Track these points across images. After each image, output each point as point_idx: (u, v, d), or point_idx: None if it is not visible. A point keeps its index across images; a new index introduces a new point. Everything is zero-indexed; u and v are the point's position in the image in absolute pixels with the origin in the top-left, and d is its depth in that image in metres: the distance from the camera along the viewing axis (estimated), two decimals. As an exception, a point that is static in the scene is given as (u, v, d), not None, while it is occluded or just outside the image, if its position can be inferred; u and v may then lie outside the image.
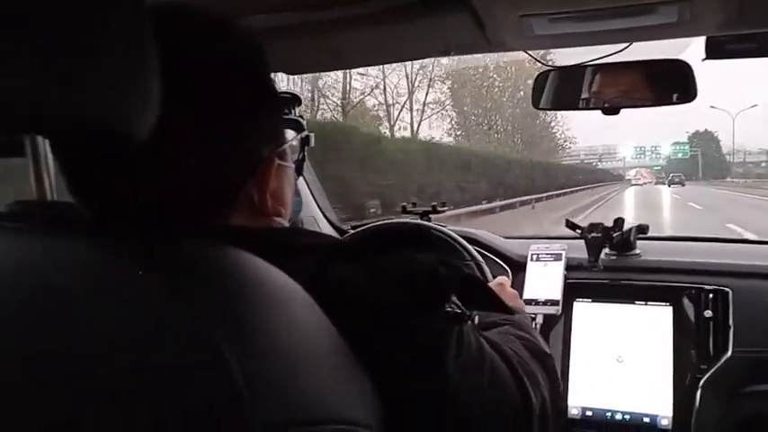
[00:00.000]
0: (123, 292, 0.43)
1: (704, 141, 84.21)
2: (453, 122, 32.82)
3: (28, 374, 0.38)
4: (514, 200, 21.05)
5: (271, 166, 0.65)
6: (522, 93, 32.70)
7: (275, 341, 0.45)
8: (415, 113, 28.95)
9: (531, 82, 1.50)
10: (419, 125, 28.12)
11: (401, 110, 27.88)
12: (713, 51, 1.29)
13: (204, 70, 0.60)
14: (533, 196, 22.89)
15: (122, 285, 0.43)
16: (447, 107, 32.00)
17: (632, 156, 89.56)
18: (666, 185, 56.25)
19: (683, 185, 54.17)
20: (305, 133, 0.77)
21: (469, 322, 0.65)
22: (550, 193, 26.02)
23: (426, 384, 0.59)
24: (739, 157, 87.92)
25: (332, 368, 0.50)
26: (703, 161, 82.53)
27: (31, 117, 0.42)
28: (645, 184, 70.63)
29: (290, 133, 0.76)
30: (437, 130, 32.64)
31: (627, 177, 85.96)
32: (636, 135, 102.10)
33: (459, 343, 0.61)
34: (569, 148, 46.60)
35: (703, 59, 1.32)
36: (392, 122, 26.51)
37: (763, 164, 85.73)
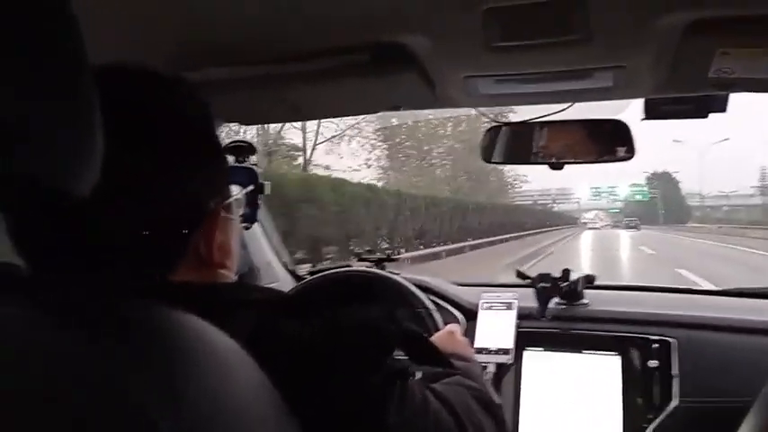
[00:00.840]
0: (45, 351, 0.43)
1: (663, 183, 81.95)
2: (373, 152, 26.83)
3: None
4: (439, 248, 18.38)
5: (216, 218, 0.67)
6: (464, 125, 28.61)
7: (210, 401, 0.45)
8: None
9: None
10: (312, 151, 22.63)
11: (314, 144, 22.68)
12: (651, 112, 1.36)
13: (150, 125, 0.62)
14: (461, 244, 20.22)
15: (46, 344, 0.43)
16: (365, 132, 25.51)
17: (589, 197, 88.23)
18: (623, 229, 57.03)
19: (638, 230, 54.41)
20: (250, 187, 0.79)
21: (413, 376, 0.67)
22: (479, 241, 22.03)
23: None
24: (695, 201, 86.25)
25: (266, 426, 0.51)
26: (663, 204, 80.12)
27: None
28: (603, 227, 69.98)
29: (237, 188, 0.78)
30: (350, 159, 27.59)
31: (582, 220, 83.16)
32: (591, 175, 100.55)
33: (402, 397, 0.63)
34: (520, 187, 43.95)
35: (642, 119, 1.40)
36: (306, 159, 22.27)
37: (725, 207, 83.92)
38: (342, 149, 24.47)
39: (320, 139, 22.47)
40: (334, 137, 22.81)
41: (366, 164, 26.53)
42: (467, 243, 21.16)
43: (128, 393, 0.41)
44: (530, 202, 65.43)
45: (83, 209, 0.51)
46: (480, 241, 22.65)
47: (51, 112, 0.45)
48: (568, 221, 67.90)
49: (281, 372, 0.53)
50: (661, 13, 0.91)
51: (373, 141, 26.67)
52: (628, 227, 59.02)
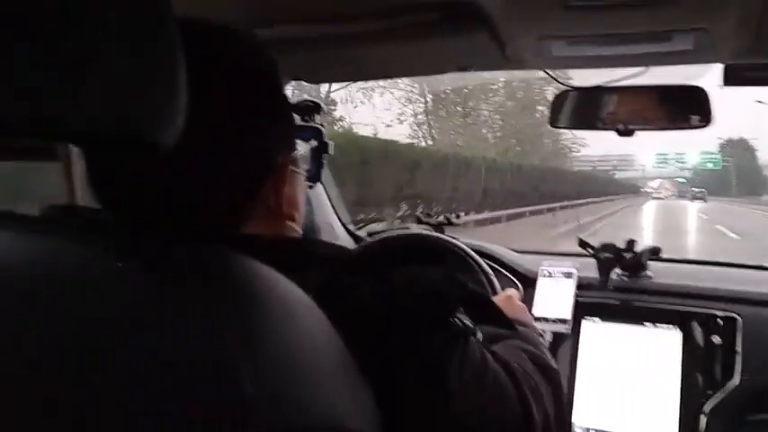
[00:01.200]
0: (139, 302, 0.44)
1: (738, 151, 74.33)
2: (409, 106, 24.22)
3: (26, 358, 0.40)
4: (497, 213, 17.43)
5: (285, 171, 0.69)
6: (516, 82, 24.73)
7: (283, 351, 0.46)
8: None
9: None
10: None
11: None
12: (731, 78, 1.30)
13: (224, 79, 0.64)
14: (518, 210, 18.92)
15: (134, 289, 0.45)
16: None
17: (653, 164, 77.54)
18: (689, 200, 54.29)
19: (705, 201, 51.87)
20: (314, 142, 0.80)
21: (474, 336, 0.67)
22: (512, 211, 19.25)
23: (428, 398, 0.60)
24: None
25: (337, 379, 0.51)
26: (737, 174, 73.20)
27: (60, 125, 0.43)
28: (668, 197, 66.96)
29: (302, 143, 0.79)
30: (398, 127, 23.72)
31: (646, 189, 77.33)
32: (658, 141, 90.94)
33: (463, 357, 0.63)
34: (578, 151, 37.97)
35: (721, 86, 1.34)
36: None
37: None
38: (374, 100, 22.31)
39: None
40: (364, 88, 20.66)
41: (399, 119, 24.17)
42: (526, 209, 20.30)
43: (210, 337, 0.42)
44: (589, 168, 57.82)
45: (163, 161, 0.52)
46: (538, 207, 21.57)
47: (137, 64, 0.46)
48: (631, 190, 62.33)
49: (347, 330, 0.54)
50: None
51: (411, 93, 24.21)
52: (694, 197, 55.66)
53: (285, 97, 0.73)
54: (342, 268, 0.62)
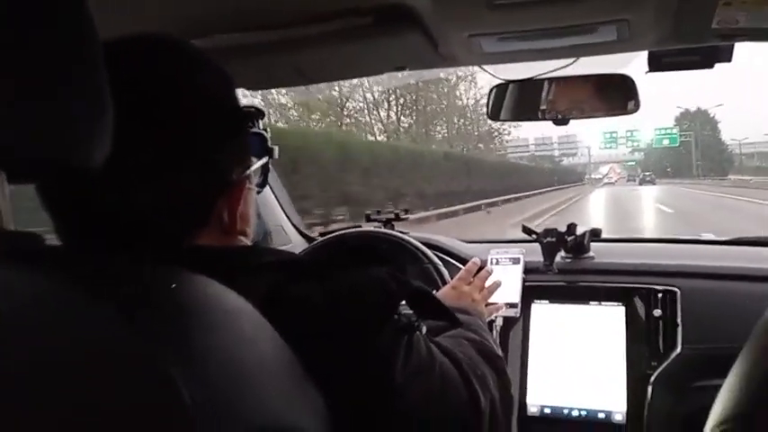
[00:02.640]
0: (72, 318, 0.45)
1: (698, 125, 64.07)
2: None
3: None
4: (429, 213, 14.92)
5: (242, 188, 0.70)
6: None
7: (224, 359, 0.47)
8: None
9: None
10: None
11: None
12: (655, 64, 1.36)
13: (176, 97, 0.64)
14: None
15: (71, 311, 0.45)
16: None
17: (601, 145, 66.35)
18: (639, 185, 50.64)
19: (654, 184, 49.33)
20: (266, 158, 0.80)
21: (419, 331, 0.70)
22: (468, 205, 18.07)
23: (377, 393, 0.63)
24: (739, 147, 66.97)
25: (284, 383, 0.53)
26: (698, 151, 62.91)
27: None
28: (618, 182, 62.89)
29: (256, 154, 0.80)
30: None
31: (594, 176, 70.36)
32: (605, 120, 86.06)
33: (408, 352, 0.66)
34: (508, 134, 34.20)
35: (646, 72, 1.40)
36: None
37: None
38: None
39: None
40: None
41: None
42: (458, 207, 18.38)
43: (153, 359, 0.43)
44: (527, 154, 52.56)
45: (111, 181, 0.53)
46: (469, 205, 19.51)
47: (60, 84, 0.45)
48: (573, 179, 54.79)
49: (293, 333, 0.55)
50: None
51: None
52: (642, 182, 52.82)
53: (240, 113, 0.72)
54: (287, 274, 0.63)
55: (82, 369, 0.42)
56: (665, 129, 57.87)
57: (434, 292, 1.27)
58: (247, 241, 0.73)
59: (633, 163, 76.60)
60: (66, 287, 0.47)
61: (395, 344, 0.65)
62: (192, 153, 0.64)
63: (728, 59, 1.33)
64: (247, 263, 0.65)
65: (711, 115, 66.78)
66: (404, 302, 0.69)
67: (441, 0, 1.01)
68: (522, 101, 1.54)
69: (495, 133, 31.59)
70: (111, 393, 0.41)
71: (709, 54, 1.31)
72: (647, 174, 59.71)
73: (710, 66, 1.34)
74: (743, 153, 67.77)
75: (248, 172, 0.72)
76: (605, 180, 66.42)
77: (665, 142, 57.72)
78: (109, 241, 0.61)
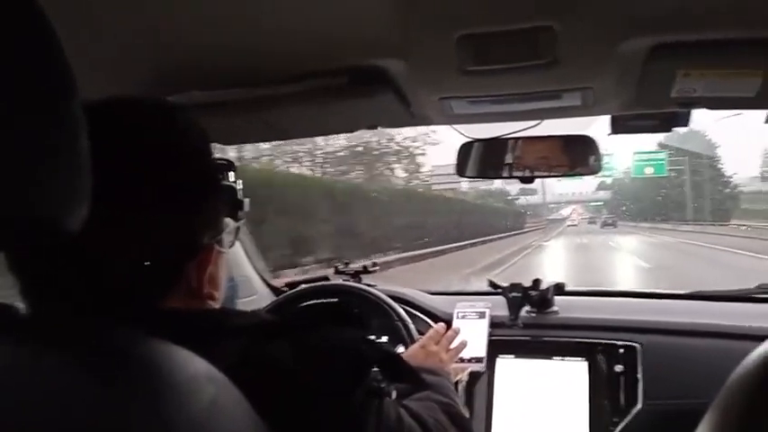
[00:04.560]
0: (43, 387, 0.45)
1: (692, 147, 42.79)
2: None
3: None
4: None
5: (211, 252, 0.69)
6: None
7: (193, 427, 0.47)
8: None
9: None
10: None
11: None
12: (617, 127, 1.42)
13: (150, 158, 0.63)
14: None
15: (43, 380, 0.45)
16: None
17: (558, 181, 49.97)
18: (599, 227, 45.59)
19: (615, 227, 43.26)
20: (241, 222, 0.79)
21: (389, 395, 0.71)
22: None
23: None
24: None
25: None
26: (693, 186, 45.27)
27: None
28: (579, 223, 56.49)
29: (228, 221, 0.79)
30: None
31: (553, 216, 62.29)
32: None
33: (379, 417, 0.66)
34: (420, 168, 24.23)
35: (608, 134, 1.46)
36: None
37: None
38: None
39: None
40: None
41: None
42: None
43: (128, 427, 0.44)
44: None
45: (80, 242, 0.51)
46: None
47: (39, 149, 0.45)
48: (512, 227, 35.82)
49: (263, 397, 0.55)
50: (624, 39, 0.96)
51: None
52: (604, 224, 46.66)
53: (214, 175, 0.72)
54: (257, 336, 0.63)
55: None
56: (648, 153, 38.98)
57: (403, 349, 1.28)
58: (215, 304, 0.72)
59: (600, 203, 63.80)
60: (35, 357, 0.47)
61: (366, 408, 0.65)
62: (165, 219, 0.63)
63: (686, 124, 1.39)
64: (215, 327, 0.64)
65: (707, 137, 45.97)
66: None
67: (414, 64, 1.05)
68: (487, 158, 1.58)
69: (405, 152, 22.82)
70: None
71: (668, 119, 1.37)
72: (609, 216, 53.21)
73: (669, 130, 1.41)
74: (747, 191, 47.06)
75: (220, 236, 0.71)
76: (569, 222, 60.72)
77: (648, 171, 38.45)
78: (77, 305, 0.60)
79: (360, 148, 21.15)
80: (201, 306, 0.69)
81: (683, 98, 1.15)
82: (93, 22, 0.86)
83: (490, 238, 25.29)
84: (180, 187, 0.65)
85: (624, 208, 56.74)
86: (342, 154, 20.90)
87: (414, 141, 22.14)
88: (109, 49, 0.96)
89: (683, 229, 36.03)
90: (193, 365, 0.52)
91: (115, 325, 0.53)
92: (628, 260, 16.90)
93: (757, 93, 1.09)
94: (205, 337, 0.57)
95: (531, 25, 0.92)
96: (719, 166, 47.43)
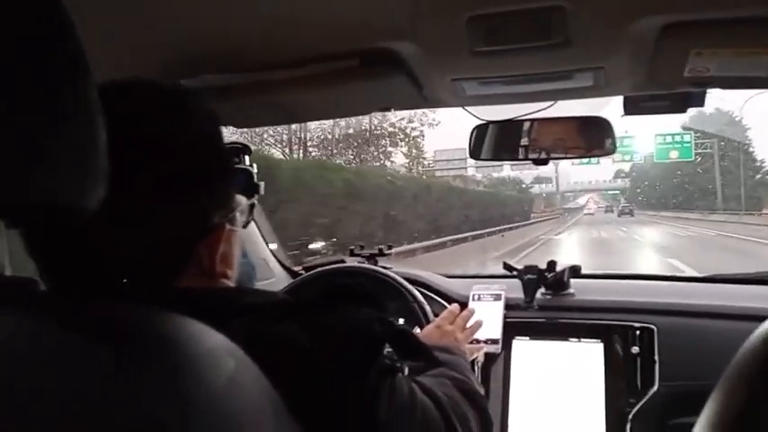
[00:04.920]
0: (59, 361, 0.45)
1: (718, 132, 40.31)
2: None
3: None
4: None
5: (222, 231, 0.69)
6: None
7: (212, 402, 0.48)
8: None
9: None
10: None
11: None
12: (630, 108, 1.42)
13: (159, 141, 0.64)
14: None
15: (59, 355, 0.46)
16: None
17: (576, 161, 36.34)
18: (617, 216, 43.78)
19: (632, 215, 41.59)
20: (254, 199, 0.80)
21: (402, 372, 0.72)
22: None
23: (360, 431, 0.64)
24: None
25: (268, 423, 0.54)
26: (723, 170, 40.72)
27: None
28: (596, 212, 55.47)
29: (241, 198, 0.81)
30: None
31: (569, 206, 59.09)
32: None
33: (392, 393, 0.67)
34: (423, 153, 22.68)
35: (622, 115, 1.46)
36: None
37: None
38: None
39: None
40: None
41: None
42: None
43: (137, 397, 0.44)
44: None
45: (94, 223, 0.53)
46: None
47: (55, 131, 0.46)
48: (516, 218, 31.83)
49: (277, 374, 0.56)
50: (635, 18, 0.96)
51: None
52: (621, 213, 45.57)
53: (226, 156, 0.72)
54: (271, 315, 0.64)
55: (69, 411, 0.42)
56: (672, 134, 33.96)
57: (418, 330, 1.29)
58: (230, 283, 0.73)
59: (617, 192, 61.43)
60: (52, 331, 0.47)
61: (380, 385, 0.66)
62: (176, 197, 0.64)
63: (701, 104, 1.38)
64: (229, 304, 0.65)
65: (736, 118, 41.44)
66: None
67: (425, 46, 1.05)
68: (502, 140, 1.58)
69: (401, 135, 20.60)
70: None
71: (683, 99, 1.36)
72: (626, 204, 52.22)
73: (683, 110, 1.40)
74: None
75: (231, 214, 0.72)
76: (585, 210, 59.76)
77: (673, 155, 34.02)
78: (93, 285, 0.62)
79: (351, 131, 20.15)
80: (215, 285, 0.70)
81: (696, 78, 1.14)
82: (104, 8, 0.87)
83: (488, 231, 21.55)
84: (189, 169, 0.66)
85: (644, 196, 53.22)
86: (332, 137, 20.11)
87: (410, 122, 20.97)
88: (120, 35, 0.98)
89: (714, 218, 32.39)
90: (211, 339, 0.53)
91: (129, 303, 0.54)
92: (664, 264, 13.70)
93: None
94: (217, 315, 0.58)
95: (542, 5, 0.92)
96: (750, 149, 43.72)
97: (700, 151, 39.60)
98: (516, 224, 27.34)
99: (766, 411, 0.57)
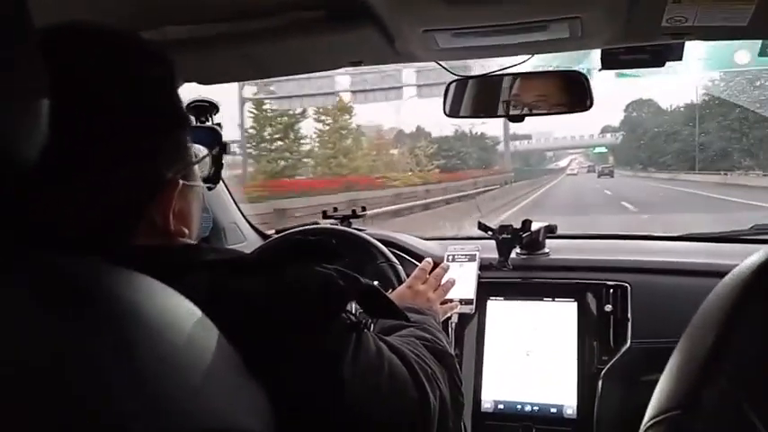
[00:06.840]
0: (12, 318, 0.43)
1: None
2: None
3: None
4: None
5: (174, 187, 0.66)
6: None
7: (161, 359, 0.46)
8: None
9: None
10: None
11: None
12: (608, 62, 1.39)
13: (110, 90, 0.60)
14: None
15: (12, 311, 0.44)
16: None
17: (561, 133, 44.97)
18: (597, 176, 44.85)
19: (612, 177, 42.39)
20: (215, 150, 0.77)
21: (368, 329, 0.70)
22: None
23: (323, 391, 0.62)
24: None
25: (225, 381, 0.52)
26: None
27: None
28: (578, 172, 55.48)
29: (200, 149, 0.77)
30: None
31: (550, 167, 56.60)
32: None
33: (357, 349, 0.65)
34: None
35: (599, 69, 1.42)
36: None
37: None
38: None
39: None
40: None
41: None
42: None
43: (81, 348, 0.42)
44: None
45: (37, 177, 0.50)
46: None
47: None
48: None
49: (236, 331, 0.54)
50: None
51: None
52: (601, 174, 46.56)
53: (179, 107, 0.69)
54: (230, 270, 0.61)
55: (12, 368, 0.41)
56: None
57: (390, 290, 1.27)
58: (189, 240, 0.69)
59: (603, 151, 57.36)
60: (4, 288, 0.46)
61: (343, 342, 0.64)
62: (120, 150, 0.60)
63: (679, 58, 1.36)
64: (187, 261, 0.63)
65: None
66: (354, 301, 0.68)
67: None
68: (481, 96, 1.54)
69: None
70: (47, 396, 0.40)
71: (661, 52, 1.34)
72: (606, 166, 51.81)
73: (661, 64, 1.37)
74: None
75: (186, 171, 0.68)
76: (568, 171, 58.39)
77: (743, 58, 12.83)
78: (41, 240, 0.58)
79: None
80: (172, 242, 0.67)
81: (674, 28, 1.12)
82: None
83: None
84: (133, 118, 0.62)
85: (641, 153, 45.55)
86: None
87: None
88: None
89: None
90: (166, 296, 0.51)
91: (82, 259, 0.51)
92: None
93: (750, 21, 1.06)
94: (175, 272, 0.56)
95: None
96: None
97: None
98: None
99: (726, 352, 0.59)
